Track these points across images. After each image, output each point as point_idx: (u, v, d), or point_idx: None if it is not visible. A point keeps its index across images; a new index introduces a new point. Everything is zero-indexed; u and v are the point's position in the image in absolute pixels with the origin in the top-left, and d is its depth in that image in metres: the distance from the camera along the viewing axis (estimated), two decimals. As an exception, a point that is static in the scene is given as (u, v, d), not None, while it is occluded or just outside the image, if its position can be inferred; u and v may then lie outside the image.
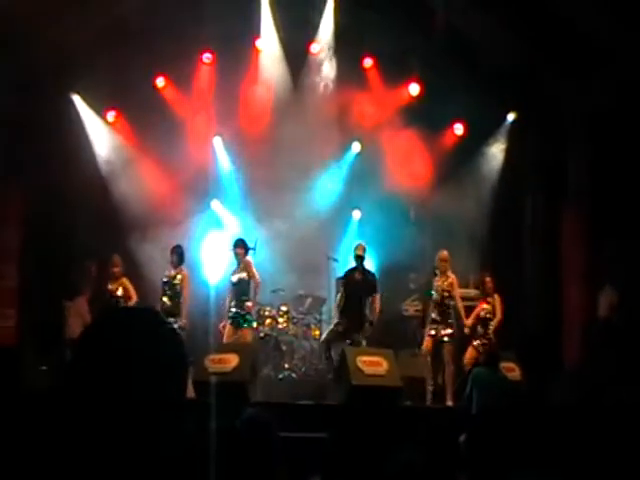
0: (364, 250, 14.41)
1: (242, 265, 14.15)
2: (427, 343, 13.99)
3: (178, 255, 14.28)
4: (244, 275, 14.07)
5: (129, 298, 14.32)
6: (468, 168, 17.84)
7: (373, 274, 14.48)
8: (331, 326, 14.11)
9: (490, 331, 14.29)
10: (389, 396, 12.00)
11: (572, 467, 4.47)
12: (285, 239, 16.22)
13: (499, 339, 14.22)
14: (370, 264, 15.39)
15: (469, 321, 14.30)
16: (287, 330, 16.00)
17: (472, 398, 11.56)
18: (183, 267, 14.34)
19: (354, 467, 3.93)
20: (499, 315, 14.40)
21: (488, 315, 14.43)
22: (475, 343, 14.27)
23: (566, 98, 16.61)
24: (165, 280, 14.19)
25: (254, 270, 14.16)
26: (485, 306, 14.50)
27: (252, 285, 14.24)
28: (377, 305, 14.09)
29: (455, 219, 16.71)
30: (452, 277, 14.19)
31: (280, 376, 15.35)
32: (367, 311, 13.97)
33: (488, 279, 14.69)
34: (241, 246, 14.26)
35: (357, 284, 14.01)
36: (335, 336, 13.92)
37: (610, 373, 12.01)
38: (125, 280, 14.52)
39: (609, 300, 14.92)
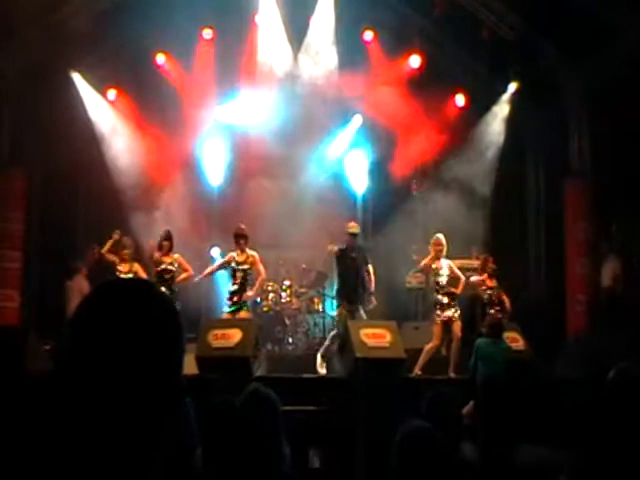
0: (357, 228, 14.03)
1: (246, 256, 13.43)
2: (438, 330, 13.69)
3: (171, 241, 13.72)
4: (247, 266, 13.40)
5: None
6: (469, 139, 17.79)
7: (362, 248, 14.14)
8: (335, 312, 13.86)
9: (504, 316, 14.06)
10: (393, 368, 12.01)
11: (576, 438, 4.47)
12: (284, 223, 16.14)
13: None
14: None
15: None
16: (291, 304, 16.04)
17: (476, 368, 11.59)
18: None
19: (355, 437, 3.95)
20: (508, 304, 14.15)
21: (493, 298, 14.20)
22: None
23: (567, 70, 16.54)
24: (163, 268, 13.57)
25: (260, 267, 13.42)
26: (489, 290, 14.24)
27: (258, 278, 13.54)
28: (372, 276, 13.72)
29: (457, 190, 16.71)
30: (449, 262, 14.00)
31: (284, 350, 15.40)
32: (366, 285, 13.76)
33: (490, 259, 14.45)
34: (243, 235, 13.49)
35: (352, 261, 13.74)
36: (341, 320, 13.62)
37: (613, 343, 12.02)
38: (137, 265, 13.80)
39: (612, 270, 14.92)
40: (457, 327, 13.64)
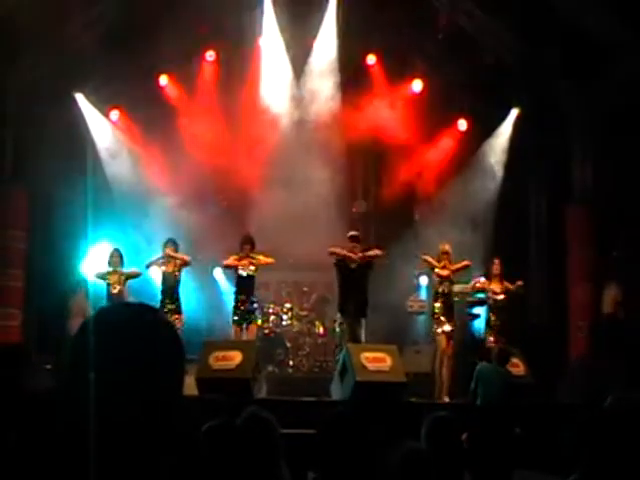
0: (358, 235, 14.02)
1: (251, 260, 13.60)
2: (444, 342, 13.72)
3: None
4: (251, 271, 13.59)
5: (124, 294, 13.86)
6: (471, 164, 17.82)
7: (367, 248, 14.05)
8: (337, 329, 13.82)
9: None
10: (393, 392, 11.98)
11: (573, 463, 4.46)
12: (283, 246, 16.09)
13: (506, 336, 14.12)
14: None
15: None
16: (292, 327, 16.03)
17: (476, 394, 11.58)
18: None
19: (352, 463, 3.93)
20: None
21: (497, 304, 14.26)
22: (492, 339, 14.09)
23: (569, 95, 16.58)
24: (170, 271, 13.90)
25: (265, 261, 13.70)
26: (499, 296, 14.29)
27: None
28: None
29: (459, 216, 16.71)
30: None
31: (284, 373, 15.38)
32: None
33: (496, 261, 14.51)
34: (249, 242, 13.70)
35: (354, 270, 13.67)
36: (342, 338, 13.62)
37: (615, 370, 12.00)
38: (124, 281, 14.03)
39: (614, 297, 14.90)
40: (451, 347, 13.71)
